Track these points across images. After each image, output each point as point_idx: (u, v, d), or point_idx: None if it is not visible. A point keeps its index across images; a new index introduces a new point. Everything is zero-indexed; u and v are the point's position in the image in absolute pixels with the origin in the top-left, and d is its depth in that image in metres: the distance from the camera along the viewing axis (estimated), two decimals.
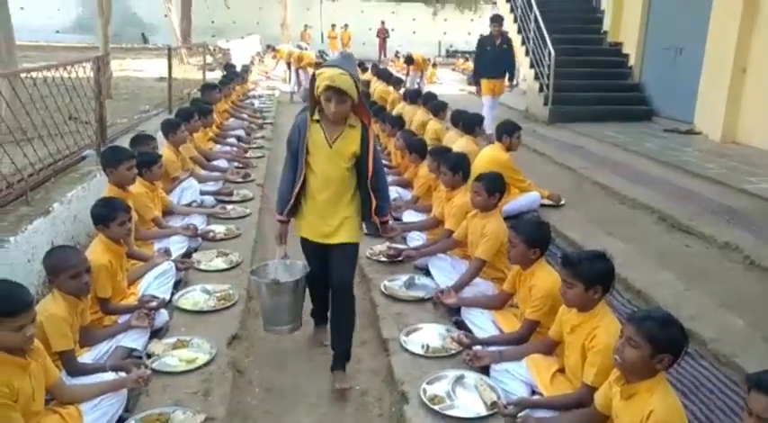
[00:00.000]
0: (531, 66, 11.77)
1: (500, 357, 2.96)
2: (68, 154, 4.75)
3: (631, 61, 11.83)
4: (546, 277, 3.11)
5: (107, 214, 3.40)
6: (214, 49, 18.42)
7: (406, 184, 6.06)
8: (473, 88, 17.06)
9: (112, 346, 3.16)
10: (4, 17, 7.13)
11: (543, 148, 8.70)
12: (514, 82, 10.02)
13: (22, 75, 4.41)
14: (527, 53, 12.08)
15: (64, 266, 2.80)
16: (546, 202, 5.79)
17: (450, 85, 17.69)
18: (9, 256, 3.27)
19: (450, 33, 31.16)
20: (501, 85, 9.50)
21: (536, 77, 11.61)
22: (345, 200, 3.12)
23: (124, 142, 6.14)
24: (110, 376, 2.80)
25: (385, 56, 27.35)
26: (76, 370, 2.83)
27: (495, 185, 3.83)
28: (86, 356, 3.05)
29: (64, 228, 4.07)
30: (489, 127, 8.27)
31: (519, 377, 2.86)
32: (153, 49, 26.35)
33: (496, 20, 9.51)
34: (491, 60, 9.27)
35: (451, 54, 28.05)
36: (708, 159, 7.84)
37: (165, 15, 25.28)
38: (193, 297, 3.83)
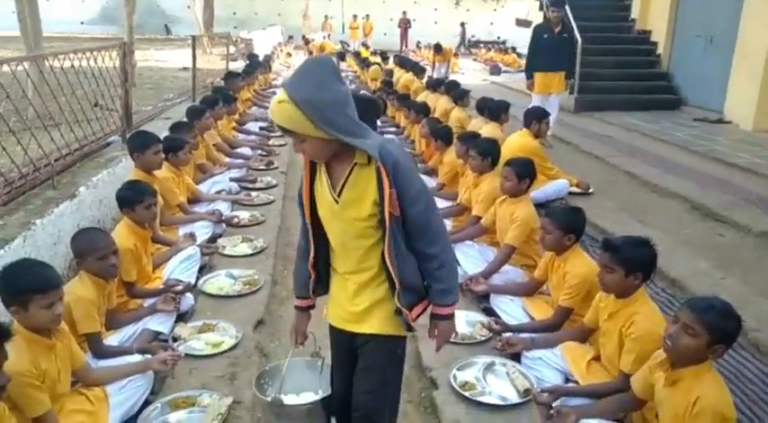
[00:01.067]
0: None
1: (533, 344, 2.88)
2: (94, 139, 4.75)
3: (660, 49, 11.56)
4: (581, 264, 3.02)
5: (133, 197, 3.38)
6: (236, 40, 18.44)
7: (431, 173, 5.98)
8: (498, 78, 17.05)
9: (138, 330, 3.15)
10: (33, 7, 7.16)
11: (569, 136, 8.53)
12: (571, 80, 8.14)
13: (50, 59, 4.40)
14: None
15: (91, 248, 2.78)
16: (574, 189, 5.67)
17: (472, 75, 17.49)
18: (36, 238, 3.27)
19: (472, 23, 30.82)
20: (559, 80, 7.87)
21: None
22: (374, 272, 2.01)
23: (149, 128, 6.19)
24: (136, 359, 2.78)
25: (407, 46, 27.18)
26: (103, 352, 2.82)
27: (525, 170, 3.74)
28: (112, 339, 3.04)
29: (90, 212, 4.07)
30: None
31: (553, 365, 2.79)
32: (176, 39, 26.52)
33: (557, 3, 7.74)
34: (547, 51, 7.67)
35: (473, 44, 27.75)
36: (740, 149, 7.63)
37: (188, 7, 25.38)
38: (219, 282, 3.80)
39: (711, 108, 9.81)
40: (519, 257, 3.75)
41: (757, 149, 7.61)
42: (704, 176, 6.47)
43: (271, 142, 7.69)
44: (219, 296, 3.63)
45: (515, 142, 5.39)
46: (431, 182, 5.87)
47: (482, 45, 26.04)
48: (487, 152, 4.24)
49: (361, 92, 12.77)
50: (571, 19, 9.19)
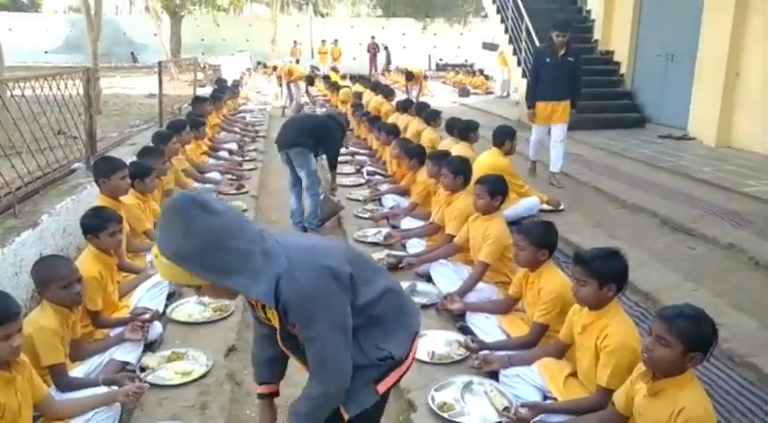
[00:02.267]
0: (524, 75, 11.76)
1: (509, 362, 2.84)
2: (57, 167, 4.63)
3: (623, 69, 11.86)
4: (554, 279, 3.01)
5: (97, 223, 3.28)
6: (204, 66, 18.40)
7: (404, 193, 5.97)
8: (468, 100, 17.26)
9: (105, 360, 3.04)
10: None
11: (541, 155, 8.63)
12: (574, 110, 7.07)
13: (10, 85, 4.29)
14: (519, 63, 12.10)
15: (54, 276, 2.67)
16: (545, 206, 5.71)
17: (441, 97, 17.67)
18: None
19: (439, 47, 31.32)
20: (563, 110, 6.86)
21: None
22: None
23: (115, 155, 6.07)
24: (103, 390, 2.67)
25: (376, 70, 27.44)
26: (67, 385, 2.70)
27: (497, 188, 3.74)
28: (78, 371, 2.92)
29: (53, 240, 3.94)
30: (532, 157, 7.24)
31: (530, 382, 2.75)
32: (142, 67, 26.37)
33: (561, 27, 6.71)
34: (550, 77, 6.76)
35: (442, 67, 28.16)
36: (705, 164, 7.82)
37: (155, 34, 25.32)
38: (188, 309, 3.70)
39: (675, 125, 10.06)
40: (493, 274, 3.73)
41: (720, 164, 7.81)
42: (671, 191, 6.60)
43: (242, 166, 7.61)
44: (189, 323, 3.53)
45: (486, 161, 5.42)
46: (403, 202, 5.87)
47: (450, 68, 26.40)
48: (459, 170, 4.25)
49: (325, 111, 12.83)
50: None
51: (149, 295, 3.66)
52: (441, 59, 29.87)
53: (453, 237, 4.13)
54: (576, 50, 6.97)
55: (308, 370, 1.83)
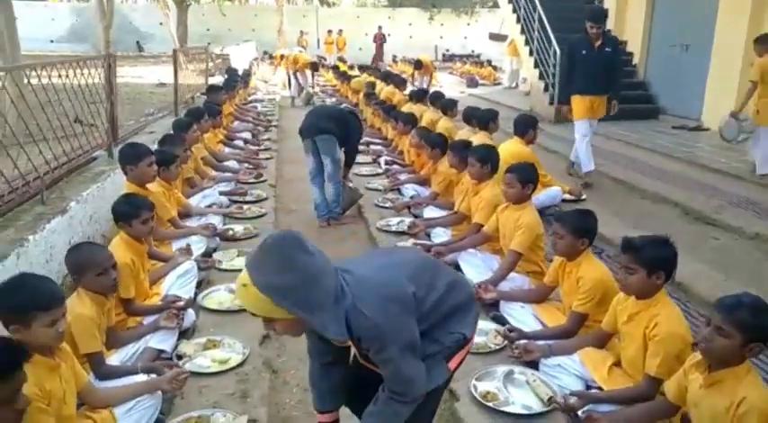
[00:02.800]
0: (536, 65, 11.70)
1: (550, 351, 2.83)
2: (81, 153, 4.59)
3: (636, 59, 11.77)
4: (594, 268, 2.99)
5: (130, 211, 3.26)
6: (213, 56, 18.31)
7: (423, 182, 5.94)
8: (476, 90, 17.14)
9: (140, 348, 3.02)
10: (9, 17, 6.97)
11: (554, 145, 8.60)
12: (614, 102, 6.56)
13: (28, 72, 4.24)
14: (531, 53, 12.02)
15: (90, 263, 2.65)
16: (567, 196, 5.68)
17: (449, 88, 17.57)
18: (28, 255, 3.12)
19: (446, 37, 31.14)
20: (600, 105, 6.46)
21: (540, 77, 11.55)
22: None
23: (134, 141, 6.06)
24: (142, 378, 2.65)
25: (382, 61, 27.31)
26: (106, 373, 2.69)
27: (528, 176, 3.71)
28: (113, 358, 2.91)
29: (81, 228, 3.92)
30: (586, 166, 6.48)
31: (572, 371, 2.73)
32: (149, 56, 26.26)
33: (596, 18, 6.30)
34: (587, 69, 6.29)
35: (448, 58, 28.01)
36: (719, 154, 7.76)
37: (161, 23, 25.23)
38: (218, 296, 3.69)
39: (689, 116, 9.99)
40: (524, 264, 3.71)
41: (736, 155, 7.75)
42: (689, 181, 6.56)
43: (258, 155, 7.58)
44: (221, 311, 3.51)
45: (508, 150, 5.37)
46: (424, 191, 5.84)
47: (457, 59, 26.25)
48: (487, 159, 4.21)
49: (343, 105, 12.75)
50: None
51: (179, 283, 3.64)
52: (447, 50, 29.69)
53: (481, 226, 4.11)
54: (613, 40, 6.52)
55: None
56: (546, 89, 11.27)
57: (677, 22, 10.51)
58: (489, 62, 21.62)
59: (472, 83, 18.28)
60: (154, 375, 2.69)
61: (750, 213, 5.32)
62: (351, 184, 5.87)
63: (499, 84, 19.10)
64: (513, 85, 17.50)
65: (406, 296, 1.79)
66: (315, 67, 14.67)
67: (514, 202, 3.74)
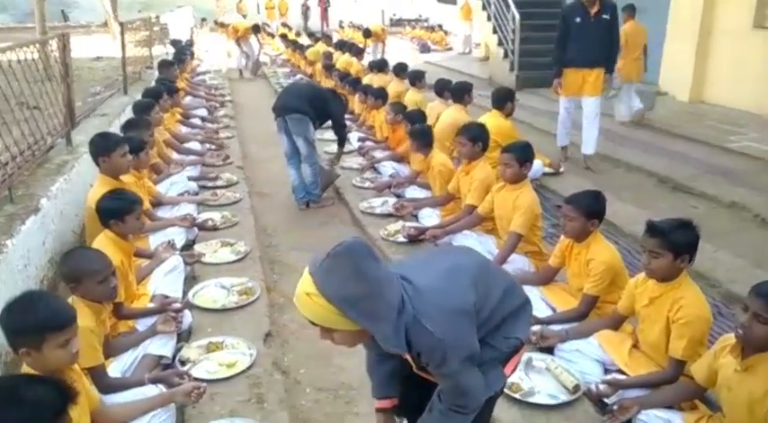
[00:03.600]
0: (495, 31, 11.61)
1: (567, 336, 2.81)
2: (40, 141, 4.22)
3: None
4: (604, 250, 2.97)
5: (124, 207, 3.04)
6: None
7: (401, 159, 5.81)
8: (430, 57, 16.90)
9: (139, 355, 2.84)
10: None
11: (519, 114, 8.53)
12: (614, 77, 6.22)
13: None
14: (489, 18, 11.91)
15: (90, 271, 2.44)
16: (547, 170, 5.68)
17: (401, 54, 17.34)
18: (8, 261, 2.86)
19: (393, 1, 30.58)
20: (595, 79, 5.79)
21: (500, 43, 11.47)
22: None
23: (89, 127, 5.65)
24: (152, 391, 2.49)
25: (327, 26, 26.65)
26: (110, 387, 2.51)
27: (526, 155, 3.65)
28: (113, 368, 2.72)
29: (53, 225, 3.64)
30: (561, 141, 6.29)
31: (590, 355, 2.73)
32: (76, 26, 24.70)
33: None
34: (581, 40, 5.67)
35: (396, 22, 27.60)
36: (682, 120, 7.94)
37: None
38: (210, 294, 3.50)
39: (646, 81, 10.15)
40: (523, 244, 3.67)
41: (699, 119, 7.94)
42: (657, 149, 6.68)
43: (219, 134, 7.25)
44: (217, 310, 3.34)
45: (489, 124, 5.25)
46: (402, 169, 5.72)
47: (406, 23, 25.91)
48: (477, 138, 4.12)
49: (298, 76, 12.35)
50: None
51: (167, 281, 3.43)
52: (394, 14, 29.22)
53: (474, 207, 4.04)
54: (611, 5, 5.79)
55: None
56: (506, 55, 11.23)
57: None
58: (441, 27, 21.40)
59: (424, 49, 18.11)
60: (162, 387, 2.53)
61: (724, 181, 5.45)
62: (326, 164, 5.67)
63: (451, 49, 18.99)
64: (467, 50, 17.42)
65: (469, 307, 1.71)
66: (256, 29, 13.99)
67: (512, 181, 3.67)
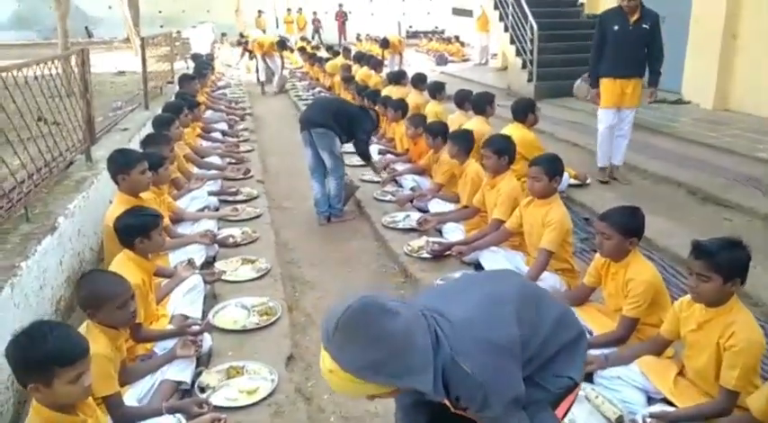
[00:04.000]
0: (512, 41, 11.48)
1: (607, 362, 2.65)
2: (58, 157, 4.16)
3: None
4: (644, 270, 2.81)
5: (147, 223, 2.97)
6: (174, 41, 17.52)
7: (423, 172, 5.69)
8: (447, 68, 16.79)
9: (157, 381, 2.73)
10: None
11: (539, 125, 8.37)
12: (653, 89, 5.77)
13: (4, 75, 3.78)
14: (506, 29, 11.79)
15: (110, 296, 2.35)
16: (573, 181, 5.53)
17: (418, 65, 17.27)
18: (23, 285, 2.78)
19: (409, 13, 30.64)
20: (634, 90, 5.53)
21: (517, 53, 11.35)
22: None
23: (109, 142, 5.61)
24: (169, 421, 2.38)
25: (345, 39, 26.74)
26: (126, 417, 2.40)
27: (555, 168, 3.51)
28: (129, 395, 2.61)
29: (71, 245, 3.57)
30: (602, 160, 5.84)
31: (632, 383, 2.56)
32: (100, 42, 25.06)
33: None
34: (620, 48, 5.42)
35: (413, 35, 27.60)
36: (707, 128, 7.74)
37: (110, 7, 24.12)
38: (231, 314, 3.39)
39: (668, 89, 9.92)
40: (553, 261, 3.52)
41: (724, 128, 7.74)
42: (685, 158, 6.49)
43: (239, 148, 7.20)
44: (237, 331, 3.23)
45: (512, 136, 5.14)
46: (423, 182, 5.60)
47: (422, 35, 25.88)
48: (503, 151, 3.99)
49: (317, 89, 12.30)
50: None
51: (186, 300, 3.34)
52: (411, 26, 29.25)
53: (501, 221, 3.90)
54: (653, 14, 5.45)
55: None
56: (524, 66, 11.09)
57: None
58: (457, 38, 21.34)
59: (442, 60, 18.01)
60: (180, 417, 2.41)
61: (758, 192, 5.25)
62: (348, 178, 5.50)
63: (467, 60, 18.90)
64: (483, 61, 17.32)
65: (513, 341, 1.55)
66: (282, 44, 14.02)
67: (541, 196, 3.53)
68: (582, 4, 12.50)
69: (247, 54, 15.26)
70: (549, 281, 3.44)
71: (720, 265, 2.26)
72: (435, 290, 1.82)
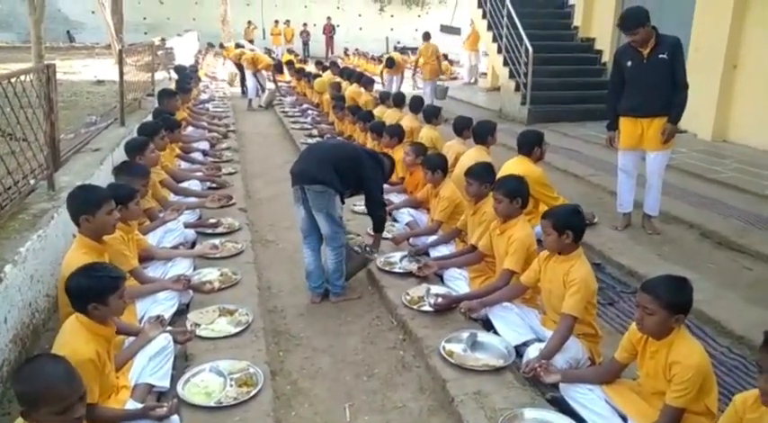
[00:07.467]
0: (506, 63, 11.19)
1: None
2: (18, 184, 3.67)
3: (605, 57, 11.45)
4: (691, 351, 2.40)
5: (103, 286, 2.47)
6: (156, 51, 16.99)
7: (419, 205, 5.27)
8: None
9: None
10: None
11: None
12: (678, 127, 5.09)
13: None
14: (499, 50, 11.50)
15: (50, 399, 1.86)
16: None
17: (406, 83, 16.92)
18: None
19: (397, 29, 30.45)
20: (655, 130, 4.95)
21: (511, 76, 11.06)
22: None
23: (77, 165, 5.13)
24: None
25: (332, 52, 26.42)
26: None
27: (566, 223, 3.05)
28: None
29: (20, 296, 3.07)
30: (620, 206, 5.39)
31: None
32: (81, 47, 24.43)
33: (624, 24, 4.87)
34: (636, 85, 4.95)
35: (400, 51, 27.33)
36: (709, 161, 7.49)
37: (93, 12, 23.56)
38: (204, 383, 2.92)
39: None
40: (576, 326, 3.10)
41: (727, 162, 7.49)
42: (692, 195, 6.20)
43: (221, 171, 6.72)
44: (211, 408, 2.75)
45: (516, 171, 4.74)
46: (420, 217, 5.18)
47: (410, 51, 25.59)
48: (516, 193, 3.58)
49: (305, 106, 11.86)
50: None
51: (153, 366, 2.86)
52: (398, 42, 29.00)
53: (513, 272, 3.49)
54: (671, 42, 4.85)
55: None
56: (517, 88, 10.80)
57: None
58: (446, 56, 21.05)
59: None
60: None
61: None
62: (356, 247, 4.38)
63: (456, 78, 18.65)
64: (473, 80, 17.09)
65: None
66: (279, 69, 13.62)
67: (558, 251, 3.12)
68: (576, 28, 12.28)
69: (234, 66, 14.83)
70: (572, 350, 3.01)
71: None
72: None
